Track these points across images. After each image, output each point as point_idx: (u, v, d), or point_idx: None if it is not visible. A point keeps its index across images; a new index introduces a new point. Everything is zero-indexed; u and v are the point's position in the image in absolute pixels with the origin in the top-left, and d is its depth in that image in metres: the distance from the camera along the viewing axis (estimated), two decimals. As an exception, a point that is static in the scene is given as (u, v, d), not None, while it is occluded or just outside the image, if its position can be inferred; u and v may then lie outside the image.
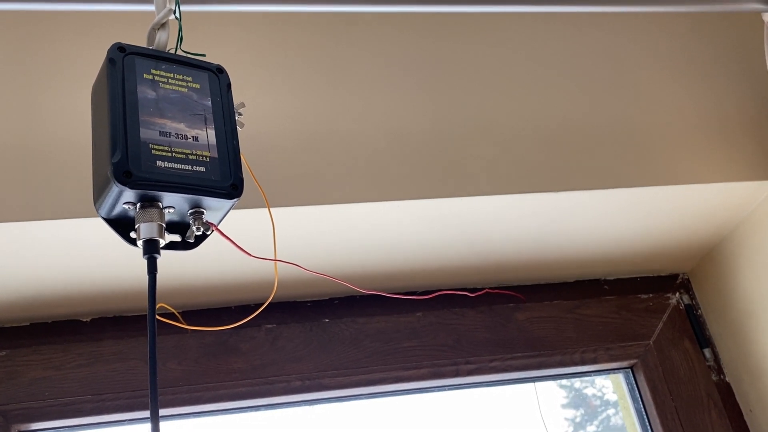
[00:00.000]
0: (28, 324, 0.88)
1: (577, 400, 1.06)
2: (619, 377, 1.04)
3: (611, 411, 1.07)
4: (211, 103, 0.61)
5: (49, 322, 0.89)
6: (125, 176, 0.53)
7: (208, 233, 0.59)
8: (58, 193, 0.73)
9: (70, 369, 0.86)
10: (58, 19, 0.82)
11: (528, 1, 0.78)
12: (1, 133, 0.75)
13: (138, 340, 0.88)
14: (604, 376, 1.07)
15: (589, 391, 1.07)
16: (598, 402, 1.07)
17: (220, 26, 0.85)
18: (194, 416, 0.89)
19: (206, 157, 0.58)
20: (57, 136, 0.75)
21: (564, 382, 1.05)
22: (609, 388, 1.07)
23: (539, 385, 1.02)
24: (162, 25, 0.63)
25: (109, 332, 0.89)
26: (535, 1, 0.79)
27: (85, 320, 0.90)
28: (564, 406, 1.04)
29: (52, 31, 0.81)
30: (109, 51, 0.58)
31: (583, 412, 1.06)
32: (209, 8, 0.69)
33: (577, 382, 1.06)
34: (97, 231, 0.74)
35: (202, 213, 0.57)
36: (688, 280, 1.08)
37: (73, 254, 0.78)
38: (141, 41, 0.63)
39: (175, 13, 0.63)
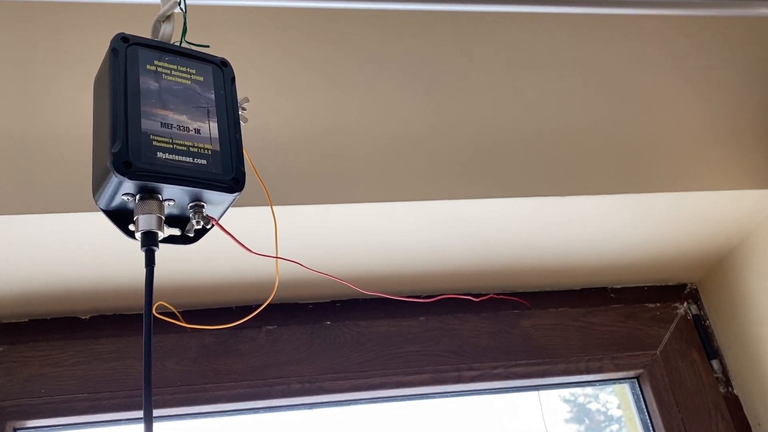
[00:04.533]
0: (27, 320, 0.87)
1: (581, 415, 1.05)
2: (625, 387, 1.02)
3: (615, 427, 1.05)
4: (215, 96, 0.60)
5: (48, 318, 0.88)
6: (125, 166, 0.52)
7: (208, 228, 0.58)
8: (60, 186, 0.72)
9: (67, 366, 0.85)
10: (61, 10, 0.81)
11: (535, 2, 0.78)
12: (1, 126, 0.74)
13: (137, 339, 0.88)
14: (609, 391, 1.05)
15: (593, 406, 1.06)
16: (602, 417, 1.06)
17: (225, 24, 0.85)
18: (192, 417, 0.88)
19: (208, 149, 0.57)
20: (57, 130, 0.75)
21: (568, 396, 1.04)
22: (613, 403, 1.06)
23: (543, 395, 1.00)
24: (167, 17, 0.63)
25: (108, 330, 0.88)
26: (542, 2, 0.78)
27: (84, 317, 0.89)
28: (567, 421, 1.02)
29: (54, 23, 0.81)
30: (113, 41, 0.57)
31: (587, 425, 1.04)
32: (215, 2, 0.68)
33: (581, 397, 1.05)
34: (98, 226, 0.74)
35: (203, 207, 0.56)
36: (696, 290, 1.06)
37: (73, 249, 0.78)
38: (145, 34, 0.62)
39: (180, 5, 0.63)
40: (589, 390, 1.04)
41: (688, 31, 0.99)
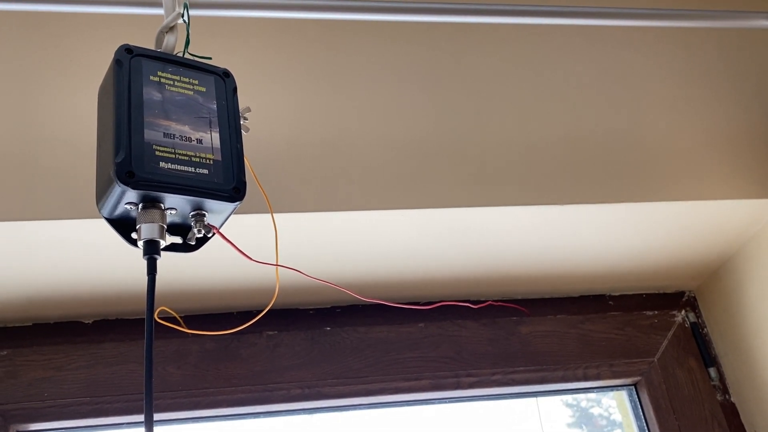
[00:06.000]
0: (31, 324, 0.88)
1: (583, 420, 1.05)
2: (623, 395, 1.02)
3: (617, 432, 1.06)
4: (217, 106, 0.61)
5: (51, 322, 0.89)
6: (128, 176, 0.53)
7: (209, 236, 0.59)
8: (64, 193, 0.73)
9: (70, 370, 0.86)
10: (64, 19, 0.83)
11: (533, 14, 0.79)
12: (6, 132, 0.76)
13: (139, 344, 0.88)
14: (611, 396, 1.05)
15: (596, 411, 1.06)
16: (604, 422, 1.06)
17: (227, 31, 0.86)
18: (193, 421, 0.88)
19: (209, 159, 0.58)
20: (61, 136, 0.76)
21: (570, 400, 1.04)
22: (616, 408, 1.06)
23: (544, 401, 1.01)
24: (170, 29, 0.64)
25: (111, 334, 0.89)
26: (540, 14, 0.79)
27: (87, 322, 0.90)
28: (570, 425, 1.03)
29: (57, 31, 0.82)
30: (117, 52, 0.58)
31: (588, 430, 1.05)
32: (218, 13, 0.70)
33: (583, 401, 1.05)
34: (101, 232, 0.75)
35: (204, 215, 0.57)
36: (694, 298, 1.07)
37: (77, 255, 0.79)
38: (145, 42, 0.63)
39: (183, 17, 0.64)
40: (591, 394, 1.05)
41: (686, 42, 1.00)
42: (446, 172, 0.83)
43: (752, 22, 0.83)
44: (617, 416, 1.05)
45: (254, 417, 0.90)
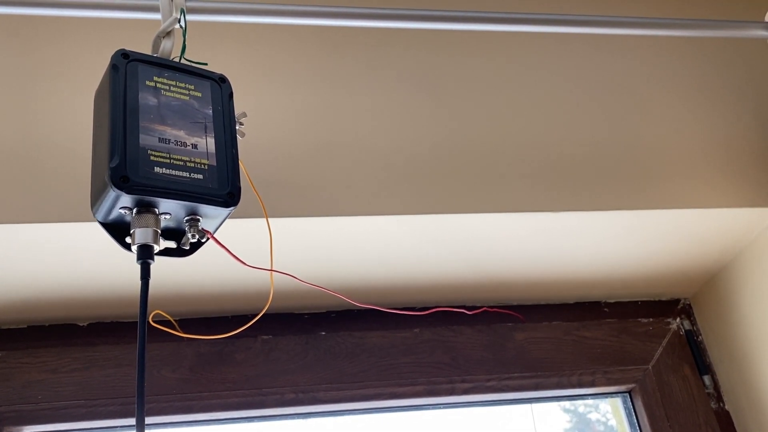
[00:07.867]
0: (25, 326, 0.88)
1: (581, 425, 1.05)
2: (617, 401, 1.03)
3: (615, 437, 1.06)
4: (212, 111, 0.61)
5: (46, 325, 0.89)
6: (122, 181, 0.53)
7: (203, 241, 0.59)
8: (59, 196, 0.73)
9: (64, 373, 0.86)
10: (61, 22, 0.83)
11: (531, 23, 0.79)
12: (1, 135, 0.76)
13: (134, 347, 0.88)
14: (606, 401, 1.05)
15: (594, 416, 1.06)
16: (602, 428, 1.06)
17: (225, 35, 0.86)
18: (186, 425, 0.88)
19: (204, 164, 0.58)
20: (57, 139, 0.76)
21: (568, 406, 1.04)
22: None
23: (541, 408, 1.01)
24: (167, 34, 0.64)
25: (106, 337, 0.89)
26: (539, 23, 0.79)
27: (81, 324, 0.90)
28: (567, 431, 1.03)
29: (54, 35, 0.82)
30: (113, 57, 0.58)
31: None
32: (215, 19, 0.70)
33: (581, 407, 1.05)
34: (96, 235, 0.75)
35: (198, 220, 0.57)
36: (689, 305, 1.07)
37: (72, 258, 0.79)
38: (142, 47, 0.64)
39: (180, 22, 0.64)
40: (589, 400, 1.05)
41: (683, 51, 1.00)
42: (442, 178, 0.83)
43: (750, 32, 0.83)
44: (614, 422, 1.05)
45: (248, 421, 0.90)
